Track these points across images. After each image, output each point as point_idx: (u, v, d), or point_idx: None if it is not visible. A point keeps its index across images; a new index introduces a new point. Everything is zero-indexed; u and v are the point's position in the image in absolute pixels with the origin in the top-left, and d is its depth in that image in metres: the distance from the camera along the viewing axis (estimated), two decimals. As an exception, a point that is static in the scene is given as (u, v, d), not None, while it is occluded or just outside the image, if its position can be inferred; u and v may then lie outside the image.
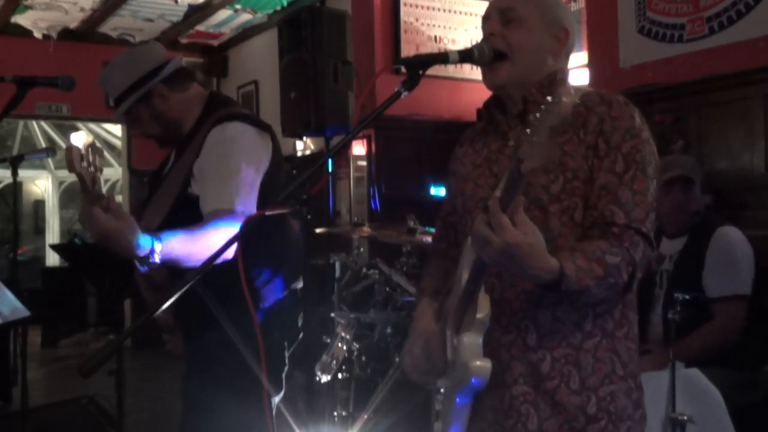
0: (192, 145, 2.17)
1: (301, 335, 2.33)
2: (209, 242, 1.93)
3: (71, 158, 1.75)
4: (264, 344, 2.11)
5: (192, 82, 2.30)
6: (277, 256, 2.19)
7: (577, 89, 1.59)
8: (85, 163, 1.76)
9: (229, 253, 1.96)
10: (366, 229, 3.87)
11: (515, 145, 1.58)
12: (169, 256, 1.89)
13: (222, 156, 2.09)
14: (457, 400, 1.54)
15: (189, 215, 2.02)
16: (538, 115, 1.20)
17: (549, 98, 1.19)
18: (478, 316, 1.48)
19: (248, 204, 2.08)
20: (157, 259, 1.86)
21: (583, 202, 1.49)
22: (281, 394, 2.26)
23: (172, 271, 2.03)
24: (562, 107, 1.16)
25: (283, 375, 2.28)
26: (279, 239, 2.20)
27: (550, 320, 1.51)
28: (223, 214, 2.00)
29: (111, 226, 1.77)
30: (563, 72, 1.64)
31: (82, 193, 1.78)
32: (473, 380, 1.49)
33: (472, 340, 1.50)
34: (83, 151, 1.75)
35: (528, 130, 1.20)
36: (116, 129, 8.76)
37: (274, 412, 2.24)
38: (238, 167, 2.09)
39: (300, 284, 2.30)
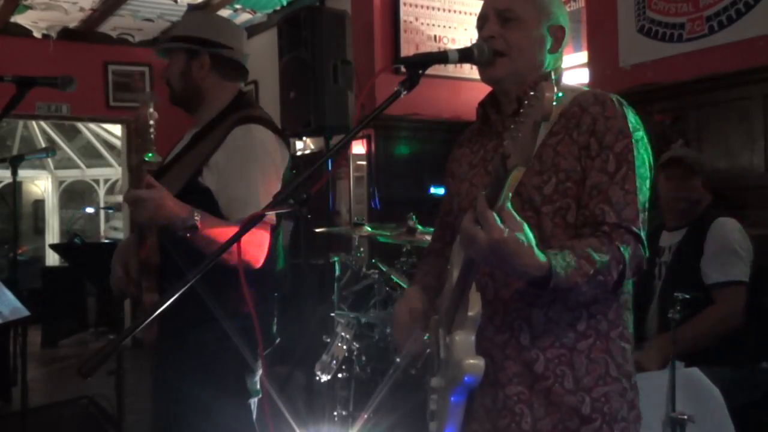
0: (211, 137, 2.17)
1: (278, 340, 2.33)
2: (241, 245, 1.97)
3: (145, 113, 1.90)
4: (240, 347, 2.12)
5: (238, 80, 2.35)
6: (271, 266, 2.18)
7: (573, 89, 1.59)
8: (152, 122, 1.90)
9: (254, 258, 2.00)
10: (366, 229, 3.87)
11: None
12: (206, 230, 1.95)
13: (249, 159, 2.10)
14: (452, 399, 1.54)
15: (195, 204, 2.02)
16: (521, 110, 1.20)
17: (531, 93, 1.19)
18: (470, 313, 1.48)
19: (273, 212, 2.09)
20: (198, 224, 1.94)
21: (576, 202, 1.49)
22: (258, 396, 2.26)
23: (166, 256, 2.04)
24: (545, 101, 1.16)
25: (257, 378, 2.26)
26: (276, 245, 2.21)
27: (543, 320, 1.50)
28: (258, 225, 2.02)
29: (154, 196, 1.90)
30: (558, 71, 1.65)
31: (135, 151, 1.94)
32: (466, 378, 1.49)
33: (464, 338, 1.50)
34: (152, 110, 1.90)
35: (512, 126, 1.21)
36: (116, 129, 8.74)
37: (254, 415, 2.24)
38: (265, 173, 2.11)
39: (275, 292, 2.31)
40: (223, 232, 1.95)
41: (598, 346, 1.51)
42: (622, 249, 1.42)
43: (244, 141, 2.11)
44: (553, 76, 1.61)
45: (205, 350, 2.09)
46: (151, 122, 1.87)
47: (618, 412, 1.51)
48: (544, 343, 1.51)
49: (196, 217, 1.94)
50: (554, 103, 1.17)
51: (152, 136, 1.90)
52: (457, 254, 1.54)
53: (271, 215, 2.08)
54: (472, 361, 1.48)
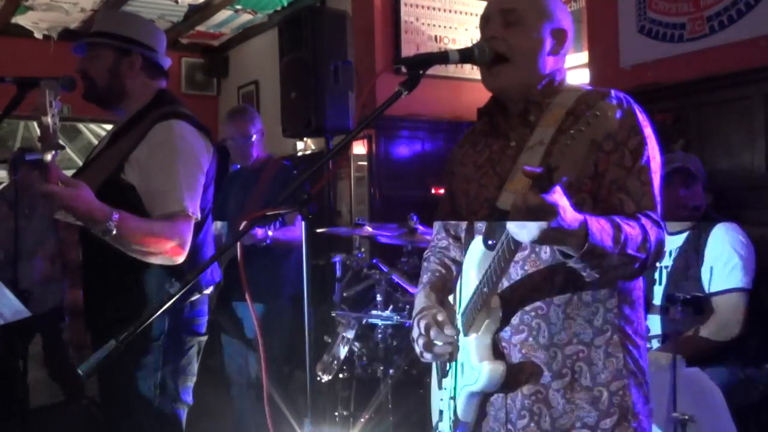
0: (132, 133, 2.18)
1: (205, 337, 2.30)
2: (162, 239, 2.01)
3: (43, 103, 1.77)
4: (169, 345, 2.12)
5: (161, 79, 2.34)
6: (194, 260, 2.18)
7: (577, 89, 1.60)
8: (55, 111, 1.80)
9: (175, 253, 2.01)
10: (367, 229, 3.87)
11: (517, 146, 1.58)
12: (123, 230, 1.93)
13: (170, 154, 2.11)
14: (466, 400, 1.54)
15: (117, 200, 2.02)
16: (577, 126, 1.18)
17: (592, 111, 1.17)
18: (489, 317, 1.49)
19: (196, 206, 2.11)
20: (113, 227, 1.89)
21: (591, 196, 1.50)
22: (188, 404, 2.24)
23: (90, 257, 2.04)
24: (609, 120, 1.16)
25: (190, 384, 2.24)
26: (200, 243, 2.21)
27: (562, 318, 1.51)
28: (178, 218, 2.05)
29: (68, 194, 1.83)
30: (562, 73, 1.65)
31: (40, 142, 1.82)
32: (485, 382, 1.49)
33: (482, 342, 1.50)
34: (54, 100, 1.79)
35: (566, 140, 1.19)
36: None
37: (184, 421, 2.22)
38: (187, 167, 2.12)
39: (209, 290, 2.31)
40: (141, 233, 1.97)
41: (614, 341, 1.53)
42: (646, 228, 1.42)
43: (165, 136, 2.12)
44: (558, 78, 1.62)
45: (133, 349, 2.07)
46: (53, 113, 1.79)
47: (635, 404, 1.53)
48: (562, 340, 1.52)
49: (112, 223, 1.90)
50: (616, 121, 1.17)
51: (54, 127, 1.80)
52: (474, 256, 1.54)
53: (195, 211, 2.10)
54: (491, 365, 1.49)
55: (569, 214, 1.27)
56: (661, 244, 1.45)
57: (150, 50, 2.28)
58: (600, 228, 1.34)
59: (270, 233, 3.35)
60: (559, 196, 1.23)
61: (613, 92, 1.56)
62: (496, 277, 1.43)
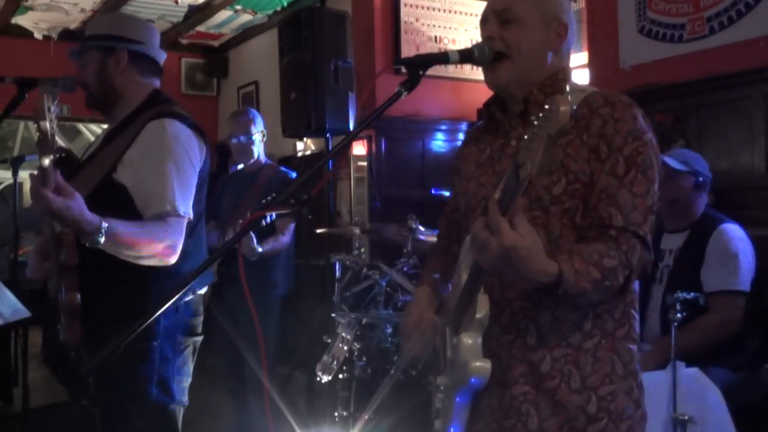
0: (125, 133, 2.16)
1: (201, 338, 2.29)
2: (153, 242, 1.99)
3: (43, 108, 1.75)
4: (164, 346, 2.10)
5: (155, 77, 2.32)
6: (188, 260, 2.16)
7: (582, 90, 1.58)
8: (53, 116, 1.78)
9: (167, 256, 2.00)
10: (365, 229, 3.87)
11: (516, 146, 1.58)
12: (113, 239, 1.91)
13: (162, 154, 2.08)
14: (457, 399, 1.55)
15: (110, 201, 2.01)
16: (536, 122, 1.19)
17: (546, 106, 1.18)
18: (477, 316, 1.49)
19: (188, 206, 2.10)
20: (102, 238, 1.88)
21: (584, 204, 1.49)
22: (184, 405, 2.22)
23: (85, 257, 2.01)
24: (560, 115, 1.16)
25: (185, 384, 2.22)
26: (191, 243, 2.19)
27: (550, 320, 1.51)
28: (170, 219, 2.03)
29: (59, 204, 1.80)
30: (565, 71, 1.63)
31: (38, 147, 1.79)
32: (473, 380, 1.50)
33: (471, 340, 1.51)
34: (52, 104, 1.77)
35: (526, 136, 1.20)
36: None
37: (180, 421, 2.20)
38: (179, 167, 2.10)
39: (203, 290, 2.30)
40: (131, 240, 1.96)
41: (604, 345, 1.52)
42: (629, 254, 1.42)
43: (158, 136, 2.10)
44: (560, 77, 1.61)
45: (129, 349, 2.06)
46: (51, 116, 1.77)
47: (624, 410, 1.52)
48: (550, 342, 1.51)
49: (101, 234, 1.88)
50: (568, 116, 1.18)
51: (52, 132, 1.79)
52: (465, 255, 1.54)
53: (187, 211, 2.08)
54: (478, 363, 1.49)
55: (532, 266, 1.31)
56: (644, 263, 1.46)
57: (135, 43, 2.24)
58: (575, 272, 1.36)
59: (260, 250, 3.36)
60: (519, 237, 1.28)
61: (617, 95, 1.54)
62: (478, 277, 1.44)
